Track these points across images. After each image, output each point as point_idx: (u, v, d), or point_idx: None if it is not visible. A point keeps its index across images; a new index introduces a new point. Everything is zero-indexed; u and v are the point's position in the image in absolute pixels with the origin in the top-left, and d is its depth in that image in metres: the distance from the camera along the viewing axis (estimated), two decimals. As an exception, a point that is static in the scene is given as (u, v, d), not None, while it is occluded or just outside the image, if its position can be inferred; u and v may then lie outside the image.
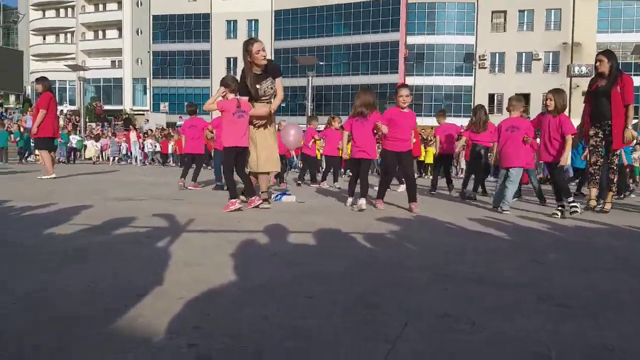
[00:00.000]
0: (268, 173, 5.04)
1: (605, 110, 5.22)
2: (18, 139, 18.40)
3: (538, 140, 5.40)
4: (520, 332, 1.49)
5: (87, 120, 28.91)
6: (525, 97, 7.48)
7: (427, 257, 2.64)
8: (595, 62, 5.38)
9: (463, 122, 13.63)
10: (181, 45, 41.85)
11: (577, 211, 4.74)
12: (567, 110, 5.16)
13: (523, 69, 34.80)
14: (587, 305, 1.81)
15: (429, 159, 14.54)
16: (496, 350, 1.36)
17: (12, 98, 33.16)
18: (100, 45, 45.82)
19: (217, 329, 1.42)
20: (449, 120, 8.79)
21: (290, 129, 7.85)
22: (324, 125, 10.34)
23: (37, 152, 15.03)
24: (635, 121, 17.31)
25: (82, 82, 27.84)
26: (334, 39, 37.91)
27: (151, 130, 26.19)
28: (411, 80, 33.23)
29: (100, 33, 46.25)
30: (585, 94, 5.85)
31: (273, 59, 35.79)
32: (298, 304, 1.70)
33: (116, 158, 20.44)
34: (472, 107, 11.99)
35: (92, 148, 20.70)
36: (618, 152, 5.52)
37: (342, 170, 12.16)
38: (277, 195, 5.56)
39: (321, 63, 34.22)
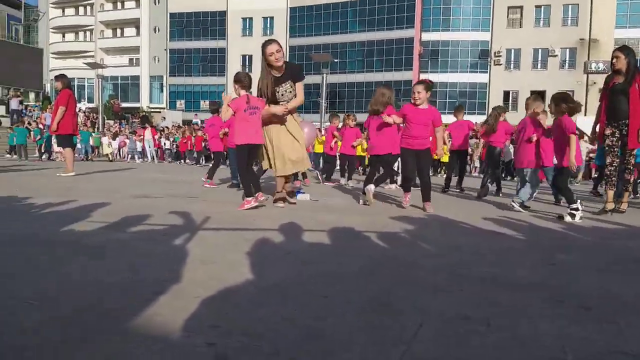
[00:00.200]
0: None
1: (623, 108, 5.05)
2: (38, 137, 18.62)
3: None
4: (536, 334, 1.48)
5: (104, 117, 29.28)
6: (541, 95, 7.37)
7: (441, 257, 2.63)
8: (612, 59, 5.18)
9: (477, 119, 13.46)
10: (197, 42, 42.18)
11: (574, 216, 4.41)
12: (582, 108, 4.99)
13: (539, 65, 34.28)
14: (604, 308, 1.79)
15: (445, 158, 14.43)
16: (512, 353, 1.35)
17: (31, 95, 33.74)
18: (118, 43, 46.42)
19: (234, 328, 1.43)
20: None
21: (304, 127, 7.85)
22: (341, 124, 10.37)
23: (56, 149, 15.33)
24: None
25: (100, 79, 28.22)
26: (349, 36, 37.81)
27: (167, 127, 26.43)
28: (425, 77, 32.95)
29: (119, 31, 46.85)
30: (601, 90, 5.68)
31: (288, 56, 35.73)
32: (313, 303, 1.72)
33: (135, 156, 20.66)
34: (487, 104, 11.85)
35: (108, 145, 20.96)
36: (634, 151, 5.33)
37: (358, 169, 12.19)
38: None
39: (336, 60, 34.21)
